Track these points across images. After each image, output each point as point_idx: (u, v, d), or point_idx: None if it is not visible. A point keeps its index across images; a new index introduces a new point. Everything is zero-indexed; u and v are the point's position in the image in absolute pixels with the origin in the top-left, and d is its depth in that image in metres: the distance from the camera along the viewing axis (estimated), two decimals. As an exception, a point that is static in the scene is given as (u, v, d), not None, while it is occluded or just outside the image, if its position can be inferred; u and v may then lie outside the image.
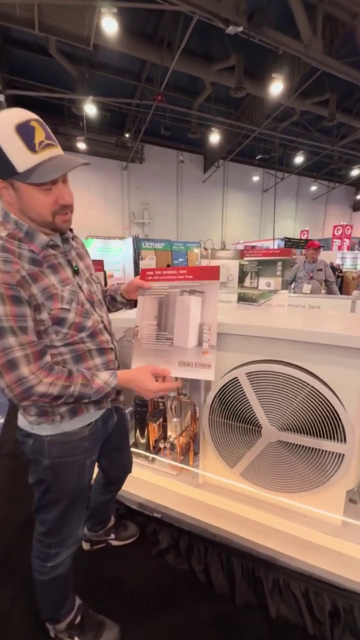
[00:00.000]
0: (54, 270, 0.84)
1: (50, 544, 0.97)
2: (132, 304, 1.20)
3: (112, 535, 1.48)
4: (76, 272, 0.91)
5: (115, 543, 1.48)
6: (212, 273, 1.04)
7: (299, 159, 13.42)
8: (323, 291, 4.30)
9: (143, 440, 1.83)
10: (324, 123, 9.62)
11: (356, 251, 11.77)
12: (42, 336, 0.82)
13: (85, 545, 1.46)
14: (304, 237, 13.10)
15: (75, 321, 0.86)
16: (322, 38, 6.11)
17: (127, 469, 1.32)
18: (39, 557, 0.99)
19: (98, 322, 0.94)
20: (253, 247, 10.69)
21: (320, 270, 4.21)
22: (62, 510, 0.95)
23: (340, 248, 12.22)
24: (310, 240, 6.47)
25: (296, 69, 7.17)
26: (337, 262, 10.26)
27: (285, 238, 11.92)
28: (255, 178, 15.38)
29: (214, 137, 10.84)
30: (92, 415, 0.96)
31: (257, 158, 13.74)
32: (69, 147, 10.63)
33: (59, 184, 0.80)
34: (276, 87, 7.25)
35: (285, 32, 6.00)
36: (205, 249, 7.86)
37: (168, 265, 10.29)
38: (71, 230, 0.94)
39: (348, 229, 12.65)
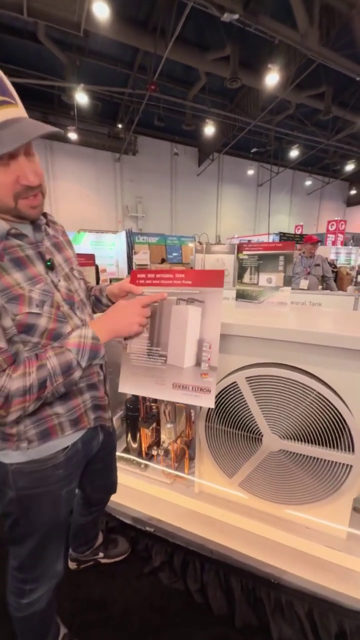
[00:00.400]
0: (18, 265, 0.68)
1: (24, 580, 0.86)
2: None
3: (101, 554, 1.37)
4: (50, 267, 0.76)
5: (104, 561, 1.37)
6: (214, 279, 0.85)
7: (294, 153, 13.27)
8: (320, 287, 4.22)
9: (135, 446, 1.73)
10: (320, 117, 9.49)
11: (350, 247, 11.76)
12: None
13: (72, 565, 1.34)
14: (298, 232, 13.04)
15: (49, 327, 0.71)
16: (318, 29, 5.98)
17: (110, 490, 1.20)
18: (13, 592, 0.88)
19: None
20: (249, 241, 10.62)
21: (318, 265, 4.13)
22: (36, 545, 0.82)
23: (334, 243, 12.19)
24: (308, 234, 6.40)
25: (292, 60, 7.02)
26: (332, 257, 10.24)
27: (280, 233, 11.85)
28: (250, 172, 15.19)
29: (209, 129, 10.62)
30: (68, 438, 0.82)
31: (252, 151, 13.56)
32: (59, 137, 10.31)
33: (20, 158, 0.63)
34: (272, 78, 7.10)
35: (281, 21, 5.85)
36: (200, 243, 7.74)
37: (163, 260, 10.16)
38: (45, 215, 0.79)
39: (342, 224, 12.59)
